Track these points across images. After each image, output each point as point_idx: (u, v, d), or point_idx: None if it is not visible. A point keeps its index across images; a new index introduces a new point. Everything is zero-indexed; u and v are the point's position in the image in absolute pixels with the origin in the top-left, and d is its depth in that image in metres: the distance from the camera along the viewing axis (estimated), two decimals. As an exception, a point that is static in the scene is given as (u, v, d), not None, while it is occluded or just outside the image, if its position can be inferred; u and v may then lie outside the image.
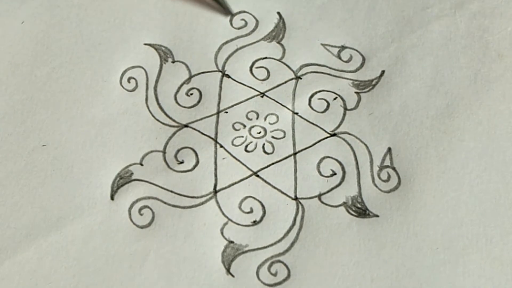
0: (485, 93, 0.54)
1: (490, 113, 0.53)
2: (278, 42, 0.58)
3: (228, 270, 0.49)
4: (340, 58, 0.56)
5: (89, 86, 0.55)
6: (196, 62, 0.57)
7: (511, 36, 0.56)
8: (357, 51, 0.57)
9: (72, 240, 0.50)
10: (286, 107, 0.55)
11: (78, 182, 0.52)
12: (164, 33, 0.58)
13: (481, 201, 0.50)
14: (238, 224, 0.51)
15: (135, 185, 0.52)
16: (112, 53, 0.57)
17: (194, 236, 0.50)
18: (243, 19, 0.59)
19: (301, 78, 0.56)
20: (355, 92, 0.55)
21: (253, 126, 0.54)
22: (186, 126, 0.54)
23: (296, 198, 0.51)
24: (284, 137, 0.54)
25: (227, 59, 0.57)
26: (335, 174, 0.52)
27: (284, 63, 0.57)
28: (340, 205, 0.51)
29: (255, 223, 0.51)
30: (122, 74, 0.56)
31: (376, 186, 0.51)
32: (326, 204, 0.51)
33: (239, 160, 0.53)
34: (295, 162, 0.53)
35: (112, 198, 0.51)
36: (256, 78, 0.56)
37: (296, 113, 0.54)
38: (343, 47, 0.57)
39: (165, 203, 0.51)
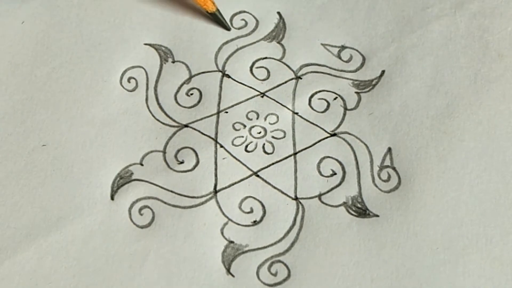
0: (485, 93, 0.54)
1: (490, 113, 0.53)
2: (278, 42, 0.58)
3: (228, 270, 0.49)
4: (340, 58, 0.56)
5: (89, 86, 0.55)
6: (196, 62, 0.57)
7: (511, 36, 0.56)
8: (357, 51, 0.57)
9: (72, 240, 0.50)
10: (286, 107, 0.55)
11: (78, 182, 0.52)
12: (164, 33, 0.58)
13: (481, 201, 0.50)
14: (238, 224, 0.51)
15: (135, 185, 0.52)
16: (112, 53, 0.57)
17: (194, 236, 0.50)
18: (243, 19, 0.59)
19: (301, 78, 0.56)
20: (355, 92, 0.55)
21: (253, 126, 0.54)
22: (186, 126, 0.54)
23: (296, 198, 0.51)
24: (284, 137, 0.54)
25: (227, 59, 0.57)
26: (335, 174, 0.52)
27: (284, 63, 0.57)
28: (340, 205, 0.51)
29: (255, 223, 0.51)
30: (122, 74, 0.56)
31: (376, 186, 0.51)
32: (326, 204, 0.51)
33: (239, 160, 0.53)
34: (295, 162, 0.53)
35: (112, 198, 0.51)
36: (256, 78, 0.56)
37: (296, 113, 0.54)
38: (343, 47, 0.57)
39: (165, 203, 0.51)
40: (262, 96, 0.55)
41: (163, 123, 0.54)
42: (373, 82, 0.55)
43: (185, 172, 0.52)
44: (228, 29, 0.58)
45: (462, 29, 0.57)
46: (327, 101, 0.55)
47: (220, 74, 0.56)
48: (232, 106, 0.55)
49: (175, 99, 0.55)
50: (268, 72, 0.56)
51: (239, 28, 0.58)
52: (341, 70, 0.56)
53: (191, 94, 0.56)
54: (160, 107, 0.55)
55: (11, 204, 0.51)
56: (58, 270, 0.49)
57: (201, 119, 0.55)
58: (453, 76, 0.55)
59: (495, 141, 0.52)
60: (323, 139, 0.53)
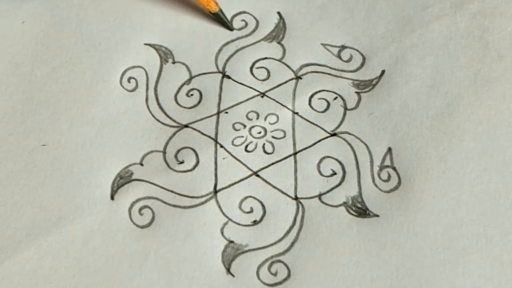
0: (485, 93, 0.54)
1: (490, 113, 0.53)
2: (278, 42, 0.58)
3: (228, 270, 0.49)
4: (340, 58, 0.56)
5: (89, 86, 0.55)
6: (196, 63, 0.57)
7: (511, 36, 0.56)
8: (357, 50, 0.57)
9: (72, 240, 0.50)
10: (286, 107, 0.55)
11: (78, 182, 0.52)
12: (165, 34, 0.58)
13: (481, 201, 0.50)
14: (238, 224, 0.51)
15: (135, 185, 0.52)
16: (112, 53, 0.57)
17: (194, 236, 0.50)
18: (243, 20, 0.59)
19: (301, 78, 0.56)
20: (355, 92, 0.55)
21: (253, 126, 0.54)
22: (186, 126, 0.54)
23: (296, 198, 0.51)
24: (284, 137, 0.54)
25: (227, 60, 0.57)
26: (335, 174, 0.52)
27: (284, 63, 0.57)
28: (340, 205, 0.51)
29: (255, 223, 0.51)
30: (122, 74, 0.56)
31: (376, 186, 0.51)
32: (326, 204, 0.51)
33: (239, 160, 0.53)
34: (295, 162, 0.53)
35: (112, 198, 0.51)
36: (256, 78, 0.56)
37: (296, 113, 0.54)
38: (343, 47, 0.57)
39: (165, 203, 0.51)
40: (262, 96, 0.55)
41: (163, 123, 0.54)
42: (373, 82, 0.55)
43: (185, 172, 0.52)
44: (231, 29, 0.58)
45: (462, 29, 0.57)
46: (327, 101, 0.55)
47: (220, 75, 0.56)
48: (232, 106, 0.55)
49: (175, 99, 0.55)
50: (268, 72, 0.56)
51: (239, 29, 0.58)
52: (341, 70, 0.56)
53: (191, 94, 0.56)
54: (160, 108, 0.55)
55: (11, 204, 0.51)
56: (58, 270, 0.49)
57: (201, 119, 0.55)
58: (453, 76, 0.55)
59: (495, 141, 0.52)
60: (323, 139, 0.53)
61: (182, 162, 0.53)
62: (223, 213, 0.51)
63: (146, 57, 0.57)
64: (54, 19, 0.58)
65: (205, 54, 0.57)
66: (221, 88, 0.56)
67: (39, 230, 0.50)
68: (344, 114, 0.54)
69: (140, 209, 0.51)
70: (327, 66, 0.56)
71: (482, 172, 0.51)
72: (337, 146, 0.53)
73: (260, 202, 0.51)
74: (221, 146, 0.53)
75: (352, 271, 0.48)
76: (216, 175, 0.52)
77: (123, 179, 0.52)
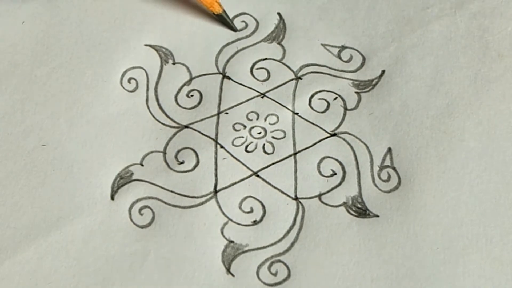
0: (485, 93, 0.54)
1: (490, 113, 0.53)
2: (279, 43, 0.58)
3: (228, 270, 0.49)
4: (340, 58, 0.56)
5: (89, 86, 0.55)
6: (196, 64, 0.57)
7: (511, 36, 0.56)
8: (357, 51, 0.57)
9: (72, 240, 0.50)
10: (286, 108, 0.55)
11: (78, 182, 0.52)
12: (165, 35, 0.58)
13: (481, 201, 0.50)
14: (238, 224, 0.50)
15: (136, 185, 0.52)
16: (112, 53, 0.57)
17: (194, 236, 0.50)
18: (243, 21, 0.59)
19: (301, 79, 0.56)
20: (355, 92, 0.55)
21: (253, 127, 0.54)
22: (186, 127, 0.54)
23: (296, 198, 0.51)
24: (284, 137, 0.54)
25: (227, 61, 0.57)
26: (335, 174, 0.52)
27: (285, 64, 0.57)
28: (340, 205, 0.51)
29: (255, 223, 0.51)
30: (123, 75, 0.56)
31: (376, 186, 0.51)
32: (326, 204, 0.51)
33: (239, 160, 0.53)
34: (295, 162, 0.53)
35: (112, 198, 0.51)
36: (256, 79, 0.56)
37: (296, 113, 0.54)
38: (343, 47, 0.57)
39: (165, 203, 0.51)
40: (262, 97, 0.55)
41: (164, 124, 0.54)
42: (373, 82, 0.55)
43: (185, 172, 0.52)
44: (234, 30, 0.58)
45: (462, 29, 0.57)
46: (327, 101, 0.55)
47: (221, 76, 0.56)
48: (233, 107, 0.55)
49: (176, 100, 0.55)
50: (268, 73, 0.56)
51: (239, 30, 0.58)
52: (341, 70, 0.56)
53: (192, 95, 0.56)
54: (161, 108, 0.55)
55: (11, 204, 0.51)
56: (58, 270, 0.49)
57: (202, 120, 0.55)
58: (453, 76, 0.55)
59: (495, 141, 0.52)
60: (323, 139, 0.53)
61: (182, 163, 0.53)
62: (223, 213, 0.51)
63: (146, 57, 0.57)
64: (54, 19, 0.58)
65: (206, 55, 0.57)
66: (221, 89, 0.56)
67: (39, 230, 0.50)
68: (344, 114, 0.54)
69: (140, 209, 0.51)
70: (327, 67, 0.56)
71: (482, 172, 0.51)
72: (337, 146, 0.53)
73: (260, 202, 0.51)
74: (221, 147, 0.53)
75: (352, 271, 0.48)
76: (216, 175, 0.52)
77: (123, 179, 0.52)
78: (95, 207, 0.51)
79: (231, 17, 0.59)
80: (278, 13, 0.59)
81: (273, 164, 0.53)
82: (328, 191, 0.51)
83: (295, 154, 0.53)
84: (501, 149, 0.52)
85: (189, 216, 0.51)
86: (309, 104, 0.55)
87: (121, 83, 0.56)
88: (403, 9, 0.58)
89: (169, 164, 0.53)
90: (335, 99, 0.55)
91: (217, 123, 0.54)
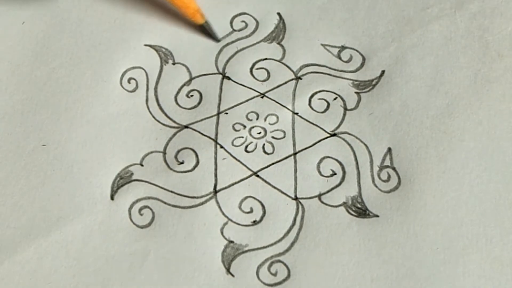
0: (485, 93, 0.54)
1: (490, 113, 0.53)
2: (278, 43, 0.58)
3: (228, 270, 0.49)
4: (340, 58, 0.56)
5: (89, 86, 0.55)
6: (196, 64, 0.57)
7: (511, 36, 0.56)
8: (357, 51, 0.57)
9: (72, 240, 0.50)
10: (286, 108, 0.55)
11: (78, 182, 0.52)
12: (165, 35, 0.58)
13: (481, 201, 0.50)
14: (238, 224, 0.51)
15: (135, 185, 0.52)
16: (112, 54, 0.57)
17: (194, 236, 0.50)
18: (243, 21, 0.59)
19: (301, 79, 0.56)
20: (355, 92, 0.55)
21: (253, 127, 0.54)
22: (186, 127, 0.54)
23: (296, 198, 0.51)
24: (284, 137, 0.54)
25: (227, 61, 0.57)
26: (335, 174, 0.52)
27: (284, 64, 0.57)
28: (340, 205, 0.51)
29: (255, 223, 0.51)
30: (123, 75, 0.56)
31: (376, 186, 0.51)
32: (326, 204, 0.51)
33: (239, 161, 0.53)
34: (295, 162, 0.53)
35: (112, 198, 0.51)
36: (256, 79, 0.56)
37: (296, 113, 0.54)
38: (343, 47, 0.57)
39: (165, 203, 0.51)
40: (262, 97, 0.55)
41: (163, 124, 0.54)
42: (373, 82, 0.55)
43: (185, 172, 0.52)
44: (217, 40, 0.58)
45: (462, 29, 0.57)
46: (327, 101, 0.55)
47: (221, 76, 0.56)
48: (232, 107, 0.55)
49: (175, 100, 0.55)
50: (268, 73, 0.56)
51: (239, 30, 0.58)
52: (341, 70, 0.56)
53: (191, 95, 0.56)
54: (161, 108, 0.55)
55: (11, 204, 0.51)
56: (58, 270, 0.49)
57: (201, 120, 0.55)
58: (453, 76, 0.55)
59: (495, 141, 0.52)
60: (323, 139, 0.53)
61: (182, 163, 0.53)
62: (223, 213, 0.51)
63: (146, 58, 0.57)
64: (54, 19, 0.58)
65: (205, 55, 0.57)
66: (221, 89, 0.56)
67: (39, 230, 0.50)
68: (344, 114, 0.54)
69: (140, 209, 0.51)
70: (327, 67, 0.56)
71: (482, 172, 0.51)
72: (337, 146, 0.53)
73: (260, 202, 0.51)
74: (221, 147, 0.53)
75: (352, 271, 0.49)
76: (216, 176, 0.52)
77: (123, 179, 0.52)
78: (95, 207, 0.51)
79: (230, 17, 0.59)
80: (278, 13, 0.59)
81: (273, 164, 0.53)
82: (328, 191, 0.51)
83: (295, 154, 0.53)
84: (501, 149, 0.52)
85: (189, 216, 0.51)
86: (309, 104, 0.55)
87: (121, 83, 0.56)
88: (403, 9, 0.58)
89: (169, 164, 0.53)
90: (335, 99, 0.55)
91: (217, 123, 0.54)
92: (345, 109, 0.54)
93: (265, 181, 0.52)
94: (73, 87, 0.55)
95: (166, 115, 0.55)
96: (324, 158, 0.53)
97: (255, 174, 0.52)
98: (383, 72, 0.55)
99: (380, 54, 0.56)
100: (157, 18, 0.59)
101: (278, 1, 0.59)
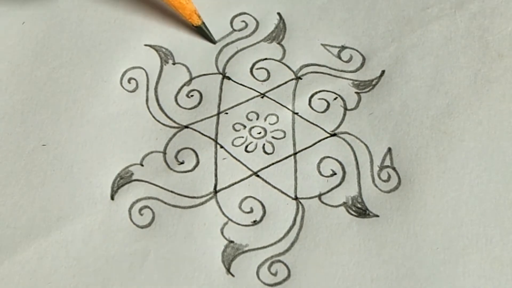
0: (485, 93, 0.54)
1: (490, 113, 0.53)
2: (279, 43, 0.58)
3: (228, 270, 0.49)
4: (340, 58, 0.56)
5: (89, 86, 0.55)
6: (196, 64, 0.57)
7: (511, 36, 0.56)
8: (357, 51, 0.57)
9: (72, 240, 0.50)
10: (286, 108, 0.55)
11: (78, 182, 0.52)
12: (165, 35, 0.58)
13: (481, 201, 0.50)
14: (238, 224, 0.50)
15: (136, 185, 0.52)
16: (112, 54, 0.57)
17: (194, 236, 0.50)
18: (243, 21, 0.59)
19: (301, 79, 0.56)
20: (355, 92, 0.55)
21: (253, 127, 0.54)
22: (186, 127, 0.54)
23: (296, 198, 0.51)
24: (284, 137, 0.54)
25: (227, 61, 0.57)
26: (335, 174, 0.52)
27: (285, 64, 0.57)
28: (340, 205, 0.51)
29: (255, 223, 0.51)
30: (123, 75, 0.56)
31: (376, 186, 0.51)
32: (326, 204, 0.51)
33: (239, 160, 0.53)
34: (295, 162, 0.53)
35: (112, 198, 0.51)
36: (256, 79, 0.56)
37: (296, 113, 0.54)
38: (343, 47, 0.57)
39: (165, 203, 0.51)
40: (262, 97, 0.55)
41: (164, 124, 0.54)
42: (373, 82, 0.55)
43: (185, 172, 0.52)
44: (213, 42, 0.58)
45: (462, 29, 0.57)
46: (327, 101, 0.55)
47: (221, 76, 0.56)
48: (232, 107, 0.55)
49: (176, 100, 0.55)
50: (268, 73, 0.56)
51: (239, 30, 0.58)
52: (341, 70, 0.56)
53: (192, 95, 0.56)
54: (161, 108, 0.55)
55: (11, 204, 0.51)
56: (58, 270, 0.49)
57: (201, 120, 0.55)
58: (453, 76, 0.55)
59: (495, 141, 0.52)
60: (323, 139, 0.53)
61: (182, 163, 0.53)
62: (223, 213, 0.51)
63: (146, 58, 0.57)
64: (54, 19, 0.58)
65: (205, 55, 0.57)
66: (221, 89, 0.56)
67: (39, 230, 0.50)
68: (344, 114, 0.54)
69: (140, 209, 0.51)
70: (327, 67, 0.56)
71: (482, 172, 0.51)
72: (337, 146, 0.53)
73: (260, 202, 0.51)
74: (221, 147, 0.53)
75: (352, 271, 0.48)
76: (216, 175, 0.52)
77: (123, 180, 0.52)
78: (95, 207, 0.51)
79: (230, 17, 0.59)
80: (278, 13, 0.59)
81: (273, 164, 0.53)
82: (328, 191, 0.51)
83: (295, 154, 0.53)
84: (501, 149, 0.52)
85: (189, 216, 0.51)
86: (309, 104, 0.55)
87: (121, 83, 0.56)
88: (403, 9, 0.58)
89: (169, 164, 0.53)
90: (335, 99, 0.55)
91: (217, 123, 0.54)
92: (345, 109, 0.54)
93: (265, 181, 0.52)
94: (73, 87, 0.55)
95: (166, 115, 0.55)
96: (324, 158, 0.53)
97: (255, 174, 0.52)
98: (383, 72, 0.55)
99: (380, 54, 0.56)
100: (157, 18, 0.59)
101: (278, 1, 0.59)
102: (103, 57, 0.57)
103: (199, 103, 0.55)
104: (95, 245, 0.50)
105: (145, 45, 0.58)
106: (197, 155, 0.53)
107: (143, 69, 0.57)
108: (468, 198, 0.50)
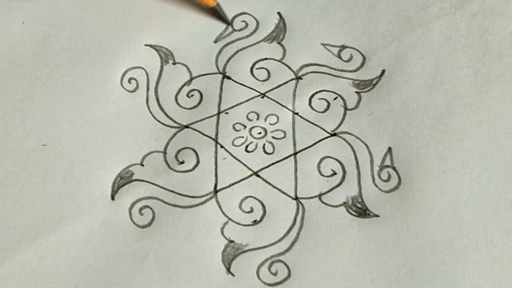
0: (485, 93, 0.54)
1: (490, 113, 0.53)
2: (279, 43, 0.58)
3: (228, 270, 0.49)
4: (340, 58, 0.56)
5: (89, 86, 0.55)
6: (197, 64, 0.57)
7: (511, 36, 0.56)
8: (357, 50, 0.57)
9: (72, 240, 0.50)
10: (287, 108, 0.55)
11: (78, 182, 0.52)
12: (165, 35, 0.58)
13: (481, 201, 0.50)
14: (239, 224, 0.51)
15: (136, 185, 0.52)
16: (112, 54, 0.57)
17: (195, 236, 0.50)
18: (243, 21, 0.59)
19: (301, 79, 0.56)
20: (356, 92, 0.55)
21: (253, 127, 0.54)
22: (186, 127, 0.54)
23: (296, 198, 0.51)
24: (284, 137, 0.54)
25: (228, 60, 0.57)
26: (335, 174, 0.52)
27: (285, 64, 0.57)
28: (340, 205, 0.51)
29: (255, 222, 0.51)
30: (123, 75, 0.56)
31: (377, 186, 0.51)
32: (326, 204, 0.51)
33: (239, 160, 0.53)
34: (296, 162, 0.53)
35: (112, 198, 0.51)
36: (256, 79, 0.56)
37: (297, 113, 0.54)
38: (343, 47, 0.57)
39: (165, 203, 0.51)
40: (262, 97, 0.55)
41: (164, 124, 0.54)
42: (373, 81, 0.55)
43: (185, 172, 0.52)
44: (228, 23, 0.58)
45: (462, 29, 0.57)
46: (327, 101, 0.55)
47: (221, 76, 0.56)
48: (233, 107, 0.55)
49: (176, 100, 0.55)
50: (269, 72, 0.56)
51: (239, 30, 0.59)
52: (341, 70, 0.56)
53: (192, 95, 0.56)
54: (161, 108, 0.55)
55: (11, 204, 0.51)
56: (58, 270, 0.49)
57: (202, 120, 0.55)
58: (453, 75, 0.55)
59: (495, 141, 0.52)
60: (323, 139, 0.53)
61: (182, 163, 0.53)
62: (223, 213, 0.51)
63: (146, 57, 0.57)
64: (55, 19, 0.58)
65: (206, 55, 0.57)
66: (221, 88, 0.56)
67: (39, 230, 0.50)
68: (344, 114, 0.54)
69: (141, 209, 0.51)
70: (327, 66, 0.56)
71: (482, 172, 0.51)
72: (337, 146, 0.53)
73: (260, 202, 0.51)
74: (222, 147, 0.53)
75: (352, 271, 0.48)
76: (216, 175, 0.52)
77: (123, 179, 0.52)
78: (95, 207, 0.51)
79: (231, 16, 0.59)
80: (278, 13, 0.59)
81: (273, 164, 0.53)
82: (328, 191, 0.51)
83: (295, 154, 0.53)
84: (501, 149, 0.52)
85: (189, 216, 0.51)
86: (309, 104, 0.55)
87: (121, 83, 0.56)
88: (403, 9, 0.58)
89: (169, 164, 0.53)
90: (335, 99, 0.55)
91: (217, 123, 0.54)
92: (346, 108, 0.54)
93: (266, 181, 0.52)
94: (73, 87, 0.55)
95: (166, 115, 0.55)
96: (324, 158, 0.53)
97: (256, 174, 0.52)
98: (383, 71, 0.55)
99: (380, 53, 0.56)
100: (157, 18, 0.59)
101: (278, 1, 0.59)
102: (103, 57, 0.57)
103: (199, 103, 0.55)
104: (95, 245, 0.50)
105: (145, 45, 0.58)
106: (197, 155, 0.53)
107: (144, 69, 0.57)
108: (468, 198, 0.50)
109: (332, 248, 0.49)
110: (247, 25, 0.59)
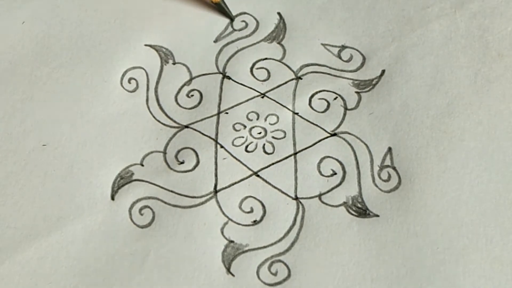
0: (485, 93, 0.54)
1: (490, 113, 0.53)
2: (279, 43, 0.58)
3: (228, 270, 0.49)
4: (340, 58, 0.56)
5: (89, 86, 0.55)
6: (197, 64, 0.57)
7: (511, 36, 0.56)
8: (357, 50, 0.57)
9: (72, 240, 0.50)
10: (287, 108, 0.55)
11: (78, 182, 0.52)
12: (165, 35, 0.58)
13: (481, 201, 0.50)
14: (239, 224, 0.50)
15: (136, 185, 0.52)
16: (112, 54, 0.57)
17: (194, 236, 0.50)
18: (243, 21, 0.59)
19: (301, 79, 0.56)
20: (356, 92, 0.55)
21: (253, 127, 0.54)
22: (186, 127, 0.54)
23: (296, 198, 0.51)
24: (284, 137, 0.54)
25: (227, 60, 0.57)
26: (335, 174, 0.52)
27: (285, 64, 0.57)
28: (340, 205, 0.51)
29: (255, 222, 0.51)
30: (123, 75, 0.56)
31: (377, 186, 0.51)
32: (326, 204, 0.51)
33: (239, 160, 0.53)
34: (296, 162, 0.53)
35: (112, 198, 0.51)
36: (256, 79, 0.56)
37: (297, 113, 0.54)
38: (343, 47, 0.57)
39: (165, 203, 0.51)
40: (262, 97, 0.55)
41: (164, 124, 0.54)
42: (373, 81, 0.55)
43: (185, 172, 0.52)
44: (232, 19, 0.59)
45: (462, 29, 0.57)
46: (327, 101, 0.55)
47: (221, 75, 0.56)
48: (233, 107, 0.55)
49: (176, 100, 0.55)
50: (269, 72, 0.56)
51: (239, 30, 0.59)
52: (341, 70, 0.56)
53: (192, 95, 0.56)
54: (161, 108, 0.55)
55: (11, 204, 0.51)
56: (58, 270, 0.49)
57: (202, 120, 0.55)
58: (453, 75, 0.55)
59: (495, 141, 0.52)
60: (323, 139, 0.53)
61: (182, 163, 0.53)
62: (223, 213, 0.51)
63: (146, 58, 0.57)
64: (54, 19, 0.58)
65: (206, 55, 0.57)
66: (221, 88, 0.56)
67: (39, 230, 0.50)
68: (344, 114, 0.54)
69: (141, 209, 0.51)
70: (327, 66, 0.56)
71: (482, 172, 0.51)
72: (337, 146, 0.53)
73: (260, 202, 0.51)
74: (222, 147, 0.53)
75: (352, 271, 0.48)
76: (216, 175, 0.52)
77: (123, 179, 0.52)
78: (95, 207, 0.51)
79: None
80: (278, 13, 0.59)
81: (273, 164, 0.53)
82: (328, 191, 0.51)
83: (295, 154, 0.53)
84: (501, 149, 0.52)
85: (189, 216, 0.51)
86: (309, 104, 0.55)
87: (121, 83, 0.56)
88: (403, 9, 0.58)
89: (169, 164, 0.53)
90: (335, 99, 0.55)
91: (217, 123, 0.54)
92: (346, 108, 0.54)
93: (266, 181, 0.52)
94: (73, 87, 0.55)
95: (166, 115, 0.55)
96: (324, 158, 0.53)
97: (256, 174, 0.52)
98: (383, 71, 0.55)
99: (380, 53, 0.56)
100: (157, 18, 0.59)
101: (278, 1, 0.59)
102: (103, 57, 0.57)
103: (199, 103, 0.55)
104: (95, 245, 0.50)
105: (145, 45, 0.58)
106: (197, 155, 0.53)
107: (143, 69, 0.57)
108: (468, 198, 0.50)
109: (332, 248, 0.49)
110: (247, 25, 0.59)
